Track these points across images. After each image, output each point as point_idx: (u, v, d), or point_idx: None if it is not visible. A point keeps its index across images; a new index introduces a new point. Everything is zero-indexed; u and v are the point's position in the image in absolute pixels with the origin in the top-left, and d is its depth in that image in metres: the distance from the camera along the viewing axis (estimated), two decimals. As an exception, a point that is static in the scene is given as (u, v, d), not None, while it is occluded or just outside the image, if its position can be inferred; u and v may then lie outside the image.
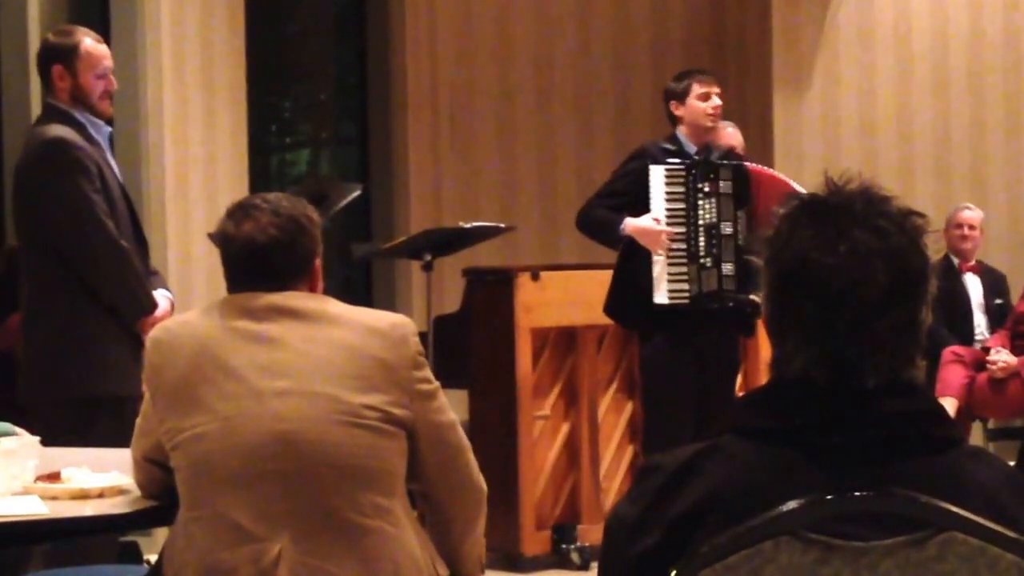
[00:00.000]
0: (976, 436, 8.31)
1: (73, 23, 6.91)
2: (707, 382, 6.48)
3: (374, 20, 9.53)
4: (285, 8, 9.81)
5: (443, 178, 9.45)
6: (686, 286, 6.44)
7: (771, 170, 6.87)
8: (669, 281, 6.45)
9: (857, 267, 2.04)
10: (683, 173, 6.48)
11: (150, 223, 7.40)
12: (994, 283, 8.76)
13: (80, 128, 5.33)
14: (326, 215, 6.90)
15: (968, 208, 8.78)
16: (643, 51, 9.87)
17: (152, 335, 3.42)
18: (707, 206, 6.48)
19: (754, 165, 6.69)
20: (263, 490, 3.22)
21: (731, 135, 7.95)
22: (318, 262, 3.46)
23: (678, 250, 6.45)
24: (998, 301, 8.67)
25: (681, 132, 6.59)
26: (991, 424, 8.47)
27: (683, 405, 6.45)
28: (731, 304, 6.50)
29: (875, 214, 2.08)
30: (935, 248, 2.12)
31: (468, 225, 7.24)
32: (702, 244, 6.48)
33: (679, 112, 6.59)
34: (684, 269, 6.46)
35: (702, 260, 6.47)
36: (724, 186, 6.49)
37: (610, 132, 9.64)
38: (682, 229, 6.47)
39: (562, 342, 7.21)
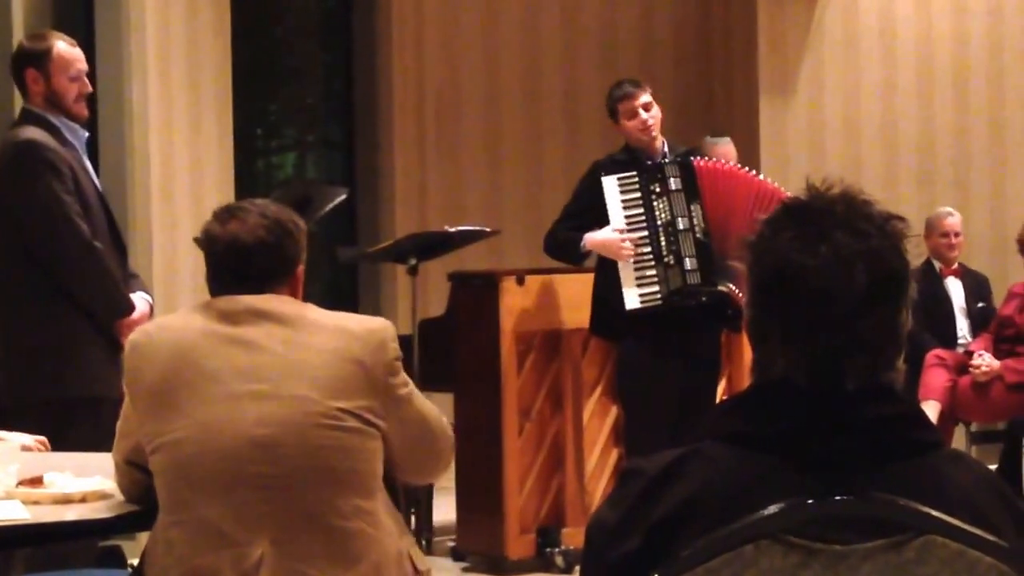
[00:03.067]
0: (959, 439, 8.32)
1: (57, 26, 6.90)
2: (690, 381, 6.51)
3: (360, 23, 9.53)
4: (271, 11, 9.80)
5: (429, 182, 9.45)
6: (656, 288, 6.51)
7: (717, 160, 6.91)
8: (638, 285, 6.50)
9: (837, 268, 2.05)
10: (635, 179, 6.56)
11: (135, 226, 7.39)
12: (976, 287, 8.77)
13: (55, 131, 5.33)
14: (311, 219, 6.89)
15: (950, 214, 8.79)
16: (630, 56, 9.87)
17: (131, 339, 3.41)
18: (661, 206, 6.56)
19: (700, 159, 6.75)
20: (243, 494, 3.22)
21: (725, 152, 7.97)
22: (301, 268, 3.46)
23: (644, 254, 6.52)
24: (980, 305, 8.69)
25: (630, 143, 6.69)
26: (974, 427, 8.49)
27: (662, 408, 6.47)
28: (703, 298, 6.56)
29: (856, 217, 2.09)
30: (915, 253, 2.14)
31: (453, 229, 7.24)
32: (663, 244, 6.55)
33: (619, 131, 6.71)
34: (652, 271, 6.52)
35: (665, 259, 6.53)
36: (673, 183, 6.58)
37: (597, 137, 9.62)
38: (644, 233, 6.54)
39: (547, 346, 7.21)
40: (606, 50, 9.86)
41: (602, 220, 6.57)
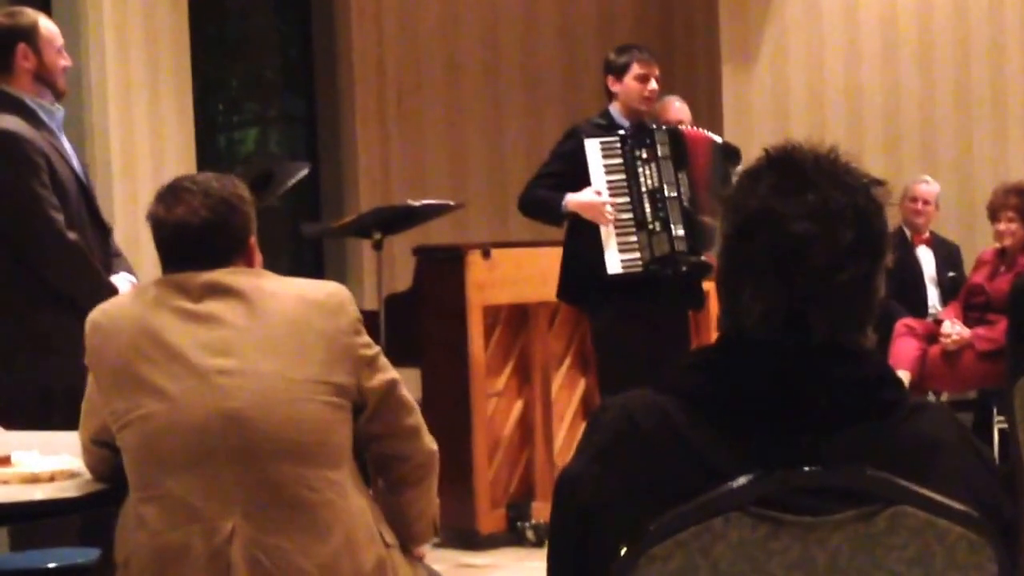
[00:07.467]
0: (929, 409, 8.32)
1: (14, 1, 6.82)
2: (658, 354, 6.47)
3: (319, -4, 9.48)
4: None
5: (391, 156, 9.42)
6: (638, 254, 6.45)
7: (704, 131, 6.87)
8: (620, 251, 6.45)
9: (824, 217, 2.03)
10: (618, 144, 6.50)
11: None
12: (947, 256, 8.77)
13: (31, 115, 5.17)
14: (274, 194, 6.85)
15: (925, 182, 8.79)
16: (590, 25, 9.84)
17: (90, 318, 3.42)
18: (647, 172, 6.52)
19: (688, 128, 6.73)
20: (212, 469, 3.24)
21: (679, 110, 7.94)
22: (253, 239, 3.48)
23: (625, 219, 6.47)
24: (951, 274, 8.69)
25: (615, 107, 6.64)
26: (944, 397, 8.50)
27: (638, 377, 6.43)
28: (684, 268, 6.50)
29: (841, 172, 2.07)
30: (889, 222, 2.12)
31: (417, 203, 7.20)
32: (648, 210, 6.49)
33: (615, 88, 6.64)
34: (634, 237, 6.46)
35: (651, 226, 6.48)
36: (662, 150, 6.54)
37: (558, 107, 9.61)
38: (626, 199, 6.48)
39: (514, 319, 7.19)
40: (566, 20, 9.83)
41: (578, 184, 6.51)
